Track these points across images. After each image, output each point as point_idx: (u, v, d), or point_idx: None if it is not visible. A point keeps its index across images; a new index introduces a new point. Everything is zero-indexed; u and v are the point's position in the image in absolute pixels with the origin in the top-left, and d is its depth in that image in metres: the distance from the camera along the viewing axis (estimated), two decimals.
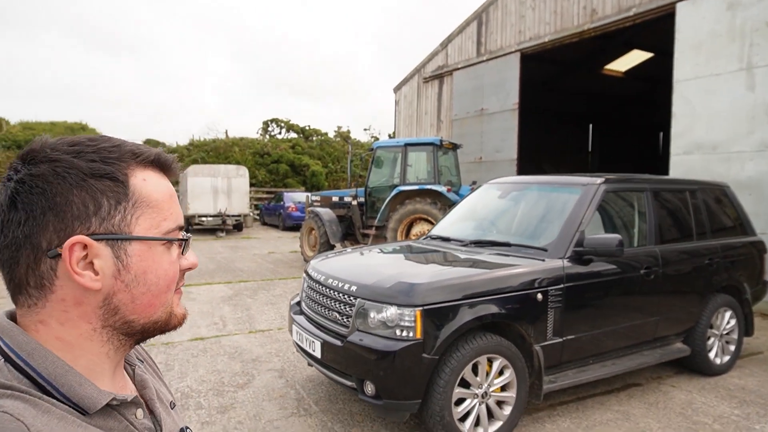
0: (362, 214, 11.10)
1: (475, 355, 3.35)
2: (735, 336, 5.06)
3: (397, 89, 16.34)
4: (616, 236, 3.80)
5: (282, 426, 3.79)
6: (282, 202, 19.57)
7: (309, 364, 4.35)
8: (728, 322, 5.00)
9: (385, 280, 3.46)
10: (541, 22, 11.04)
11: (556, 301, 3.72)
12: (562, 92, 17.82)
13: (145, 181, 0.76)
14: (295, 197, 19.76)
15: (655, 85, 17.46)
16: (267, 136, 30.73)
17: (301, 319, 4.12)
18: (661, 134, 21.78)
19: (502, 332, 3.58)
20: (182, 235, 0.81)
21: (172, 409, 0.93)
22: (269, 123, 31.32)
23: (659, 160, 21.38)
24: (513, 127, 11.83)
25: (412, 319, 3.22)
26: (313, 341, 3.69)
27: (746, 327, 5.17)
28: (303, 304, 4.25)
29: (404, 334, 3.24)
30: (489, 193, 5.09)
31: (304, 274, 4.40)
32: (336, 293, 3.68)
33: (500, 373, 3.51)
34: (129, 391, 0.81)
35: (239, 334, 6.03)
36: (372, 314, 3.38)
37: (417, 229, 10.11)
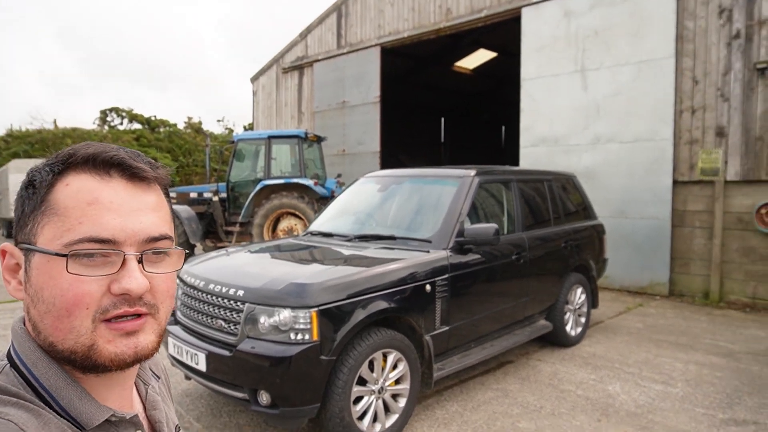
0: (224, 210, 10.53)
1: (371, 352, 3.31)
2: (585, 309, 5.68)
3: (254, 79, 15.72)
4: (493, 225, 4.01)
5: None
6: None
7: (187, 378, 3.99)
8: (580, 298, 5.59)
9: (274, 282, 3.27)
10: (400, 18, 11.34)
11: (443, 291, 3.83)
12: (416, 86, 18.54)
13: (67, 186, 0.68)
14: None
15: (499, 82, 18.97)
16: (106, 127, 27.72)
17: (176, 329, 3.75)
18: (503, 128, 23.78)
19: (393, 326, 3.60)
20: (91, 248, 0.66)
21: None
22: (108, 112, 28.25)
23: (502, 152, 23.39)
24: (375, 120, 12.03)
25: (308, 320, 3.09)
26: (195, 353, 3.37)
27: (593, 300, 5.84)
28: (178, 312, 3.87)
29: (299, 337, 3.09)
30: (367, 187, 5.09)
31: (177, 280, 4.01)
32: (220, 299, 3.39)
33: (394, 366, 3.52)
34: (132, 410, 0.78)
35: None
36: (262, 319, 3.17)
37: (284, 224, 9.85)
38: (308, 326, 3.09)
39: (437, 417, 3.86)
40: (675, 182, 7.66)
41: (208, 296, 3.49)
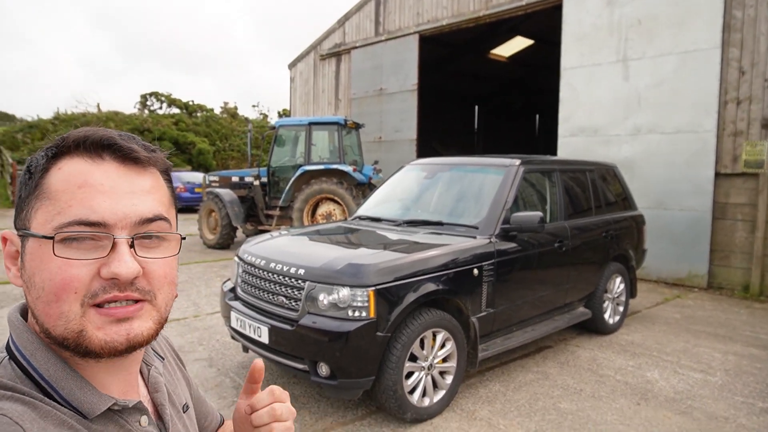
0: (265, 195, 10.83)
1: (422, 330, 3.51)
2: (623, 298, 5.76)
3: (292, 66, 15.97)
4: (538, 213, 4.15)
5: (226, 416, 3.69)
6: None
7: (245, 350, 4.29)
8: (618, 287, 5.67)
9: (334, 262, 3.49)
10: (439, 5, 11.38)
11: (489, 275, 3.99)
12: (451, 74, 18.53)
13: (60, 170, 0.68)
14: (183, 177, 18.66)
15: (534, 70, 18.79)
16: (146, 111, 28.50)
17: (236, 304, 4.02)
18: (537, 116, 23.57)
19: (442, 307, 3.78)
20: (79, 231, 0.65)
21: (185, 412, 0.88)
22: (148, 97, 29.01)
23: (536, 141, 23.20)
24: (412, 108, 12.15)
25: (365, 299, 3.30)
26: (258, 327, 3.63)
27: (631, 290, 5.91)
28: (238, 288, 4.14)
29: (357, 314, 3.31)
30: (413, 174, 5.26)
31: (237, 259, 4.27)
32: (281, 277, 3.63)
33: (442, 345, 3.71)
34: (136, 395, 0.78)
35: None
36: (321, 296, 3.39)
37: (323, 209, 10.10)
38: (366, 304, 3.30)
39: (480, 395, 4.05)
40: (717, 174, 7.60)
41: (270, 274, 3.73)
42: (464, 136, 21.82)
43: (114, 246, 0.66)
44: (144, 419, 0.75)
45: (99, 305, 0.66)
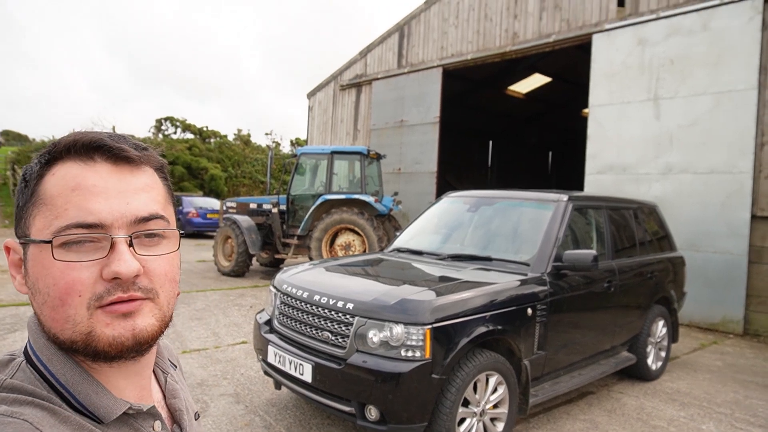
0: (282, 223, 10.67)
1: (477, 373, 3.28)
2: (665, 343, 5.51)
3: (311, 95, 16.04)
4: (592, 252, 3.95)
5: None
6: (181, 207, 18.30)
7: (277, 387, 4.05)
8: (661, 331, 5.43)
9: (386, 297, 3.29)
10: (464, 40, 11.43)
11: (542, 316, 3.78)
12: (467, 108, 18.59)
13: (53, 176, 0.68)
14: (195, 202, 18.58)
15: (550, 107, 18.83)
16: (161, 135, 28.67)
17: (275, 338, 3.80)
18: (551, 153, 23.56)
19: (493, 348, 3.56)
20: (78, 234, 0.65)
21: (196, 420, 0.90)
22: (163, 121, 29.23)
23: (548, 178, 23.12)
24: (433, 140, 12.09)
25: (421, 338, 3.08)
26: (301, 364, 3.40)
27: (673, 334, 5.66)
28: (275, 321, 3.93)
29: (410, 354, 3.09)
30: (453, 206, 5.09)
31: (273, 289, 4.07)
32: (326, 311, 3.43)
33: (494, 390, 3.48)
34: (151, 401, 0.78)
35: None
36: (372, 333, 3.18)
37: (342, 239, 9.92)
38: (421, 343, 3.08)
39: None
40: (753, 217, 7.41)
41: (313, 307, 3.53)
42: (478, 171, 21.77)
43: (113, 246, 0.66)
44: (158, 424, 0.74)
45: (103, 306, 0.66)
